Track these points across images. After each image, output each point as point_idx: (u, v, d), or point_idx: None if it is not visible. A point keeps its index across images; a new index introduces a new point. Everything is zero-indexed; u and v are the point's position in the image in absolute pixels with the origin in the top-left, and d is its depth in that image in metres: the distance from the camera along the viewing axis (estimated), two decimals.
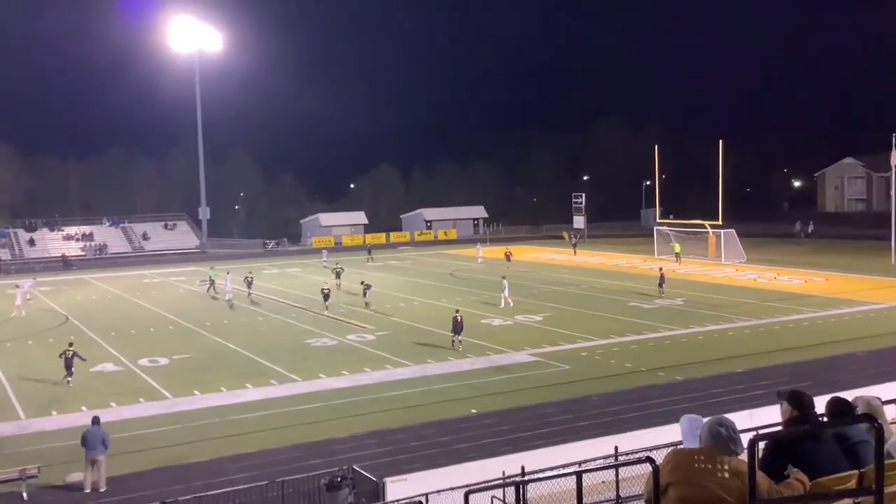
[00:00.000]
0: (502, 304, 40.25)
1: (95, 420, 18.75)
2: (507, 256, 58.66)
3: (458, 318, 31.06)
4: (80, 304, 45.97)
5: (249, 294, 45.86)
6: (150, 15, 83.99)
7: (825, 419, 5.46)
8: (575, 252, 65.95)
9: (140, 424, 22.82)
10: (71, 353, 27.12)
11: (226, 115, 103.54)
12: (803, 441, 4.90)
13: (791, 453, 4.78)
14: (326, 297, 41.24)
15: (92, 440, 18.11)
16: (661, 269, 45.51)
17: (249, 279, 46.73)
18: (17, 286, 44.40)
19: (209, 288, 47.84)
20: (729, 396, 23.56)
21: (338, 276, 49.25)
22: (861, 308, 38.42)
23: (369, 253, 68.38)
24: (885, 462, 4.21)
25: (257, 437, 21.52)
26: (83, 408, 24.04)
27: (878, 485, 3.98)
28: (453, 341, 31.07)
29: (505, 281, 41.54)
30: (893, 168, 59.31)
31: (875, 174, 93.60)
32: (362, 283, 43.04)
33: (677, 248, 60.32)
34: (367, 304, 41.63)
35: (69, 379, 27.00)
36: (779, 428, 5.47)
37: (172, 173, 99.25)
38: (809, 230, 78.57)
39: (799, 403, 5.25)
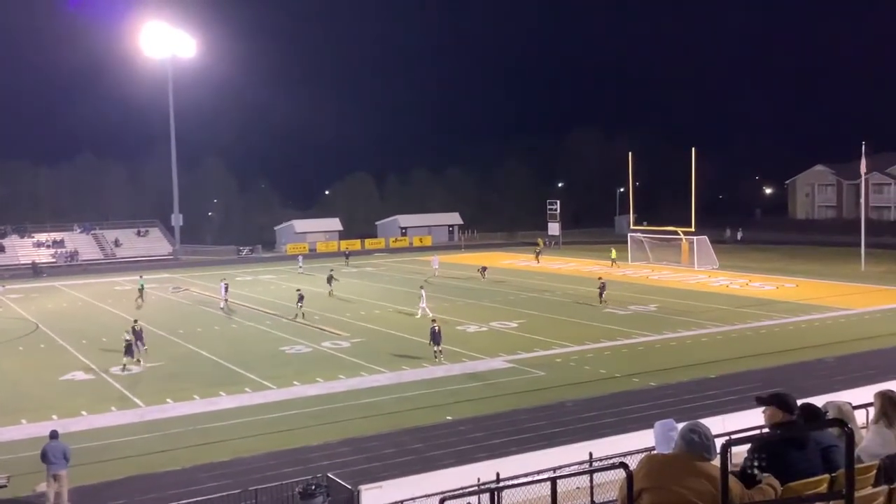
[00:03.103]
0: (419, 315, 39.36)
1: (54, 434, 18.26)
2: (482, 272, 54.84)
3: (437, 327, 30.69)
4: (50, 311, 45.40)
5: (226, 301, 45.29)
6: (124, 20, 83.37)
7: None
8: (538, 260, 65.62)
9: (112, 433, 22.56)
10: (139, 327, 31.46)
11: (199, 122, 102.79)
12: (789, 448, 4.90)
13: (776, 459, 4.79)
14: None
15: (52, 455, 17.72)
16: (600, 278, 45.50)
17: (225, 285, 46.28)
18: None
19: (138, 297, 47.16)
20: (702, 402, 23.73)
21: (329, 281, 49.12)
22: (832, 314, 38.86)
23: (347, 258, 68.40)
24: (856, 466, 4.25)
25: (231, 445, 21.35)
26: (53, 416, 23.75)
27: (849, 489, 4.03)
28: (435, 352, 30.39)
29: (423, 290, 41.12)
30: (863, 176, 60.20)
31: (845, 182, 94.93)
32: (297, 290, 42.08)
33: (613, 253, 61.97)
34: (297, 316, 39.82)
35: (144, 349, 31.12)
36: (754, 433, 5.49)
37: (145, 180, 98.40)
38: (739, 237, 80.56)
39: (788, 407, 5.25)
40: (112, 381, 28.59)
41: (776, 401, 5.27)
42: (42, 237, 78.20)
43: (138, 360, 30.31)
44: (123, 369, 29.66)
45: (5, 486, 17.87)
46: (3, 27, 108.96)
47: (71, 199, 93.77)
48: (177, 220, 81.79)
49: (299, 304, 40.27)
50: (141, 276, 51.93)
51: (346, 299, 46.60)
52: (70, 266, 72.23)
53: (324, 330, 37.23)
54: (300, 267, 62.53)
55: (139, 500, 17.44)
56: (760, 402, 5.37)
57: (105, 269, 70.45)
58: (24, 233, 78.68)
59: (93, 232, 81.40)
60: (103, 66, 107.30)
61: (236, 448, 21.07)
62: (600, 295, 42.47)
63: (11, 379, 29.16)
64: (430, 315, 38.65)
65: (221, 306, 44.41)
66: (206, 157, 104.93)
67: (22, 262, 72.06)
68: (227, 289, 45.81)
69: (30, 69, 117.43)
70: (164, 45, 77.81)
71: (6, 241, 76.25)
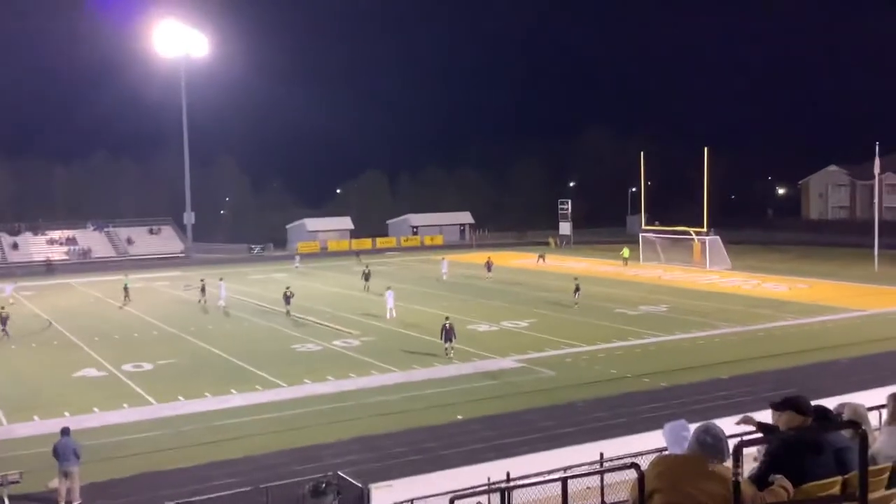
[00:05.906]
0: (388, 316, 39.21)
1: (65, 431, 18.30)
2: (488, 266, 56.07)
3: (448, 325, 30.76)
4: (63, 308, 45.62)
5: (220, 299, 44.58)
6: (136, 19, 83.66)
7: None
8: (543, 260, 65.43)
9: (124, 430, 22.66)
10: (6, 313, 36.49)
11: (212, 120, 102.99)
12: (805, 451, 4.81)
13: (790, 462, 4.72)
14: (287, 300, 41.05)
15: (63, 452, 17.78)
16: (575, 278, 44.86)
17: (219, 286, 45.38)
18: None
19: (124, 297, 46.81)
20: (713, 403, 23.61)
21: (366, 278, 49.46)
22: (845, 315, 38.65)
23: (358, 256, 68.61)
24: (869, 468, 4.22)
25: (242, 442, 21.41)
26: (66, 413, 23.86)
27: (863, 491, 4.00)
28: (446, 349, 30.67)
29: (389, 291, 40.60)
30: (877, 176, 59.87)
31: (859, 182, 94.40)
32: (287, 288, 42.23)
33: (626, 253, 62.01)
34: (288, 313, 40.51)
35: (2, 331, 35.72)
36: (767, 434, 5.41)
37: (157, 178, 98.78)
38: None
39: (804, 410, 5.17)
40: (124, 378, 28.70)
41: (791, 405, 5.20)
42: (55, 235, 78.64)
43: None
44: None
45: (18, 481, 17.99)
46: (18, 26, 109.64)
47: (84, 197, 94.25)
48: (189, 218, 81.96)
49: (288, 302, 40.94)
50: (126, 276, 51.33)
51: (374, 298, 46.64)
52: (83, 263, 72.61)
53: (335, 328, 37.28)
54: (297, 265, 62.92)
55: (150, 496, 17.50)
56: (775, 408, 5.26)
57: (117, 266, 70.62)
58: (38, 230, 79.13)
59: (105, 230, 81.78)
60: (117, 65, 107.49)
61: (247, 445, 21.12)
62: (575, 293, 42.06)
63: (25, 376, 29.33)
64: (395, 315, 39.14)
65: (220, 305, 43.87)
66: (218, 155, 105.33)
67: (35, 259, 72.51)
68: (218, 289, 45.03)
69: (44, 68, 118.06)
70: (178, 43, 78.01)
71: (20, 239, 76.71)
